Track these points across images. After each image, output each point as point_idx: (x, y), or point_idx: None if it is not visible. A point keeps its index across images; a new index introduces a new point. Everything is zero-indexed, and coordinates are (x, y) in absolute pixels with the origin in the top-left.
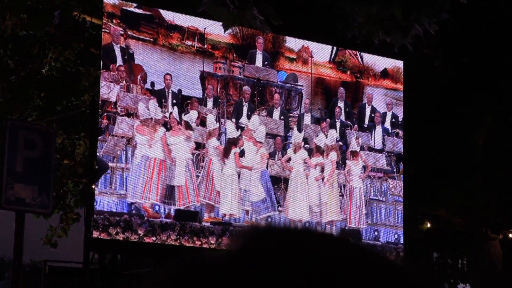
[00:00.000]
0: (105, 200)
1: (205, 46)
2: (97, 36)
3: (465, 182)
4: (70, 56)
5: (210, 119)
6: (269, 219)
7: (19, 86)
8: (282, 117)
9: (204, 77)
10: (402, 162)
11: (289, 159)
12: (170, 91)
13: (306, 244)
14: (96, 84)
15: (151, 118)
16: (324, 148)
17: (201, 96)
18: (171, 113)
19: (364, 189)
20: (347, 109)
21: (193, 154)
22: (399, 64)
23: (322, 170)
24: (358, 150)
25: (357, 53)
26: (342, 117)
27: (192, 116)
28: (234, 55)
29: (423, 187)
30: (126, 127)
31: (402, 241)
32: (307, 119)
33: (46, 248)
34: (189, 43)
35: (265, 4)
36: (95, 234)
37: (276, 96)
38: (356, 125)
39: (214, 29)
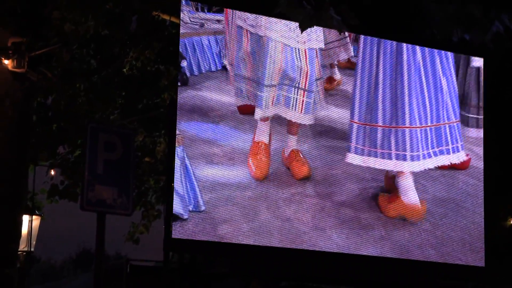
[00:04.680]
0: None
1: None
2: (176, 35)
3: None
4: (150, 55)
5: None
6: None
7: (101, 85)
8: None
9: None
10: (484, 159)
11: None
12: None
13: None
14: (174, 82)
15: None
16: None
17: None
18: None
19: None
20: None
21: None
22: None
23: None
24: None
25: None
26: None
27: None
28: None
29: (506, 183)
30: None
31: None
32: None
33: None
34: None
35: (341, 4)
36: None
37: None
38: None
39: None
